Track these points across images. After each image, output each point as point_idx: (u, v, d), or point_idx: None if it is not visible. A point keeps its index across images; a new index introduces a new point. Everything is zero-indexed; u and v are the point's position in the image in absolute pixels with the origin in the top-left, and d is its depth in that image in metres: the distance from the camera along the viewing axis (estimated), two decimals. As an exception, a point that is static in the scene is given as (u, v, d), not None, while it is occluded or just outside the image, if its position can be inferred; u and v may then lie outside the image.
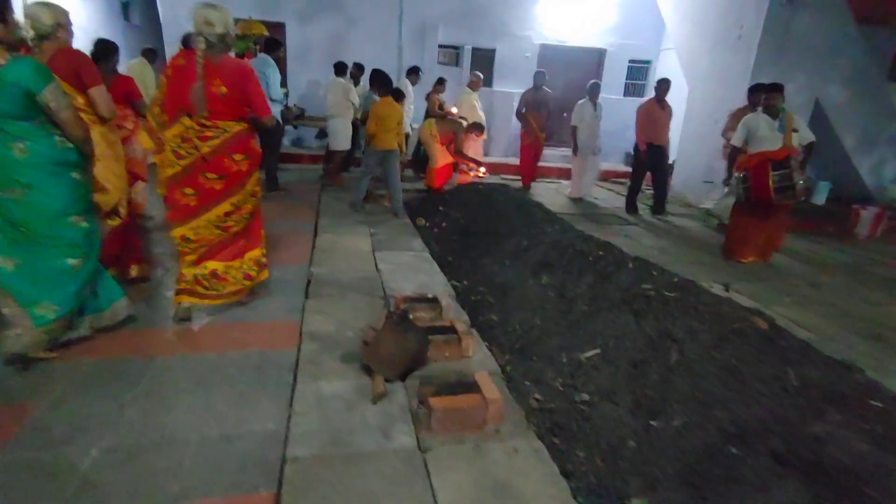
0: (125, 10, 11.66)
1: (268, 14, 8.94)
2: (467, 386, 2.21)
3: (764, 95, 4.66)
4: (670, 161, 7.09)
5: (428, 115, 7.31)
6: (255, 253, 2.96)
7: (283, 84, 6.33)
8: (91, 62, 2.79)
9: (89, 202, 2.40)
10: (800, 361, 1.98)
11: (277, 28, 9.15)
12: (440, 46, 9.68)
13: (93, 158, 2.43)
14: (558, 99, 10.50)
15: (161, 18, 8.76)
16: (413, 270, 3.80)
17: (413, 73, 7.60)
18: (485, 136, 7.45)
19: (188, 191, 2.64)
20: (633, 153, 7.02)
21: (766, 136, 4.50)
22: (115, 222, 2.94)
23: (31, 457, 1.74)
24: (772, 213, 4.63)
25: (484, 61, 9.89)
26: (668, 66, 9.76)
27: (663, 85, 6.38)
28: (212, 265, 2.78)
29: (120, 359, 2.36)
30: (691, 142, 7.73)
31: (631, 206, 6.79)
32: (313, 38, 9.05)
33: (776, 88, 4.53)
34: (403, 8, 9.26)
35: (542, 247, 3.72)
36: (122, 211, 2.98)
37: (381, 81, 5.45)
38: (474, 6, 9.47)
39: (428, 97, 7.74)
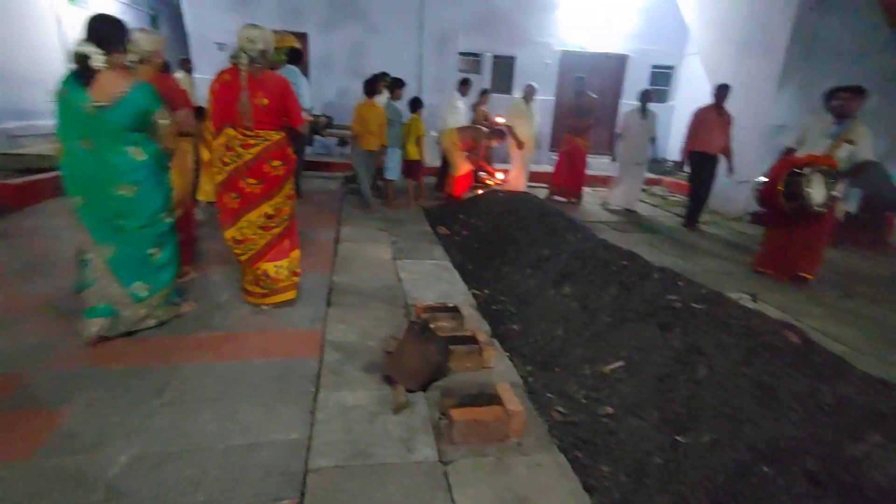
0: (153, 22, 12.03)
1: (291, 24, 9.10)
2: (489, 397, 2.19)
3: (841, 95, 4.21)
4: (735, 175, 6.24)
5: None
6: (297, 252, 3.21)
7: None
8: (178, 87, 3.21)
9: (171, 201, 2.76)
10: (835, 378, 1.91)
11: (300, 38, 9.31)
12: (460, 54, 9.73)
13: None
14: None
15: (187, 29, 8.99)
16: (434, 279, 3.80)
17: (464, 84, 7.39)
18: (522, 143, 7.11)
19: (232, 194, 2.92)
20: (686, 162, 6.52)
21: (813, 139, 4.29)
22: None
23: (61, 463, 1.78)
24: (798, 225, 4.32)
25: (504, 68, 9.91)
26: (692, 71, 9.62)
27: (721, 91, 5.98)
28: (263, 266, 3.04)
29: (147, 366, 2.40)
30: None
31: (691, 221, 6.40)
32: (335, 46, 9.18)
33: (854, 91, 4.17)
34: (424, 16, 9.34)
35: (564, 256, 3.68)
36: (179, 211, 3.12)
37: (367, 84, 5.69)
38: (494, 14, 9.49)
39: (474, 108, 7.63)
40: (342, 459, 1.87)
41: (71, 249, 2.61)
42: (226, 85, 2.79)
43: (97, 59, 2.29)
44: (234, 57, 2.77)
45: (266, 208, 2.95)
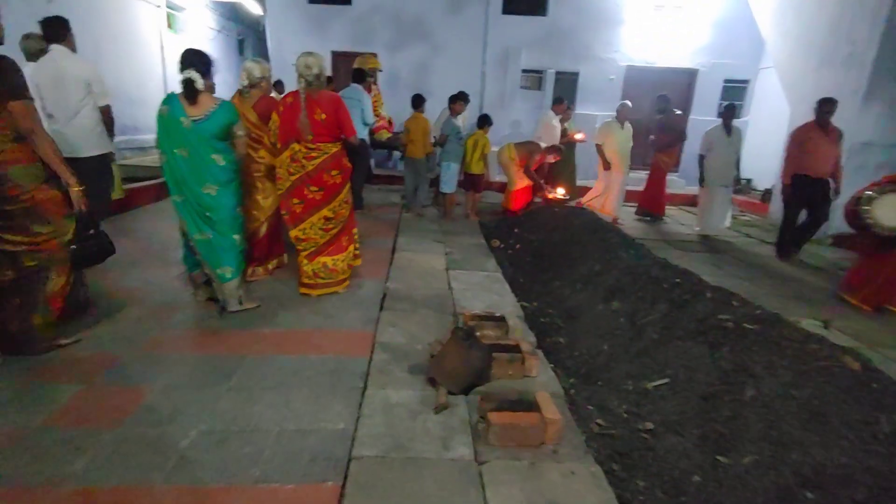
0: (240, 45, 13.13)
1: (362, 45, 9.64)
2: (528, 404, 2.25)
3: None
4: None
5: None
6: (353, 247, 3.65)
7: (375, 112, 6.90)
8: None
9: (242, 198, 3.22)
10: (894, 406, 1.80)
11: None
12: (523, 71, 9.84)
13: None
14: (644, 121, 10.25)
15: (269, 53, 9.75)
16: (484, 290, 3.89)
17: (559, 103, 7.27)
18: (609, 164, 6.95)
19: (295, 200, 3.33)
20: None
21: None
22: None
23: (143, 432, 2.04)
24: (888, 251, 3.97)
25: (567, 84, 9.90)
26: (768, 85, 9.16)
27: (824, 106, 5.25)
28: (322, 259, 3.46)
29: (219, 355, 2.68)
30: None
31: (782, 250, 5.71)
32: (401, 65, 9.59)
33: None
34: (488, 35, 9.56)
35: (615, 272, 3.65)
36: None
37: (413, 99, 6.31)
38: (557, 30, 9.54)
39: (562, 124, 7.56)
40: (383, 451, 2.00)
41: (160, 249, 2.97)
42: (289, 107, 3.23)
43: (199, 82, 2.83)
44: (281, 85, 3.26)
45: (326, 212, 3.37)
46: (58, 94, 3.76)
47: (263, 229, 3.73)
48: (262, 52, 11.90)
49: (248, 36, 13.19)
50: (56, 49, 3.73)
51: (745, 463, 1.85)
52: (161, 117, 2.86)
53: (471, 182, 6.38)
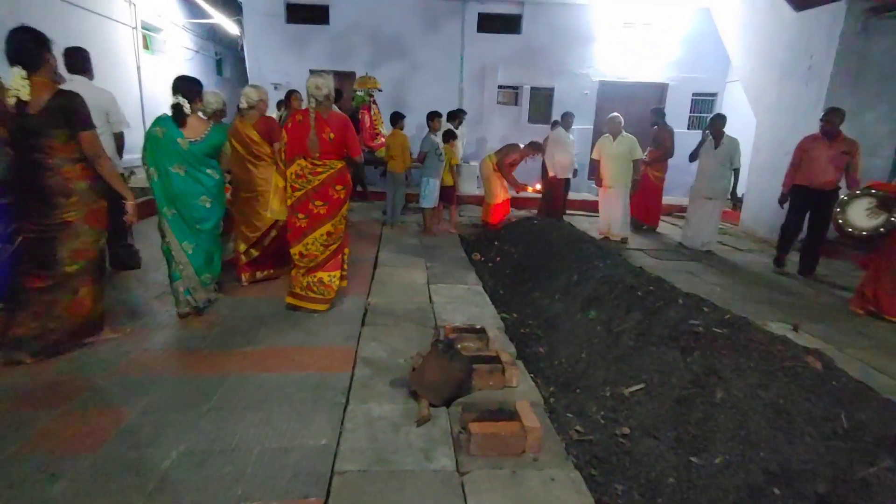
0: (219, 65, 13.13)
1: (339, 63, 9.76)
2: (508, 414, 2.29)
3: None
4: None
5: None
6: (344, 255, 3.73)
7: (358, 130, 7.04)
8: (277, 126, 4.01)
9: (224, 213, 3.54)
10: (854, 403, 1.89)
11: (349, 76, 9.94)
12: (499, 87, 10.04)
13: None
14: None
15: (248, 73, 9.79)
16: (465, 303, 3.94)
17: (567, 116, 7.38)
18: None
19: (300, 215, 3.42)
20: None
21: None
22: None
23: (122, 455, 2.02)
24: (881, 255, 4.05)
25: (543, 100, 10.14)
26: (734, 98, 9.51)
27: (826, 116, 5.06)
28: (320, 274, 3.55)
29: (199, 375, 2.67)
30: (760, 174, 7.42)
31: (777, 260, 5.65)
32: (380, 82, 9.69)
33: None
34: (464, 52, 9.76)
35: (592, 282, 3.74)
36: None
37: (392, 116, 6.59)
38: (532, 48, 9.80)
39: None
40: (365, 465, 2.02)
41: (138, 270, 2.96)
42: (298, 124, 3.36)
43: (187, 107, 3.14)
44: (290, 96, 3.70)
45: (328, 227, 3.45)
46: None
47: (267, 240, 4.05)
48: (240, 72, 11.93)
49: (226, 56, 13.21)
50: (77, 80, 3.89)
51: (717, 463, 1.91)
52: (155, 137, 3.08)
53: (443, 195, 6.45)
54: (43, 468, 1.92)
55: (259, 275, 4.16)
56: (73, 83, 3.78)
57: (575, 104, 9.88)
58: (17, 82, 2.46)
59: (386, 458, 2.06)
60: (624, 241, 6.61)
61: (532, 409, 2.29)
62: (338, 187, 3.43)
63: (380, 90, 8.21)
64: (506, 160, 6.54)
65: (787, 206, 5.49)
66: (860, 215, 4.08)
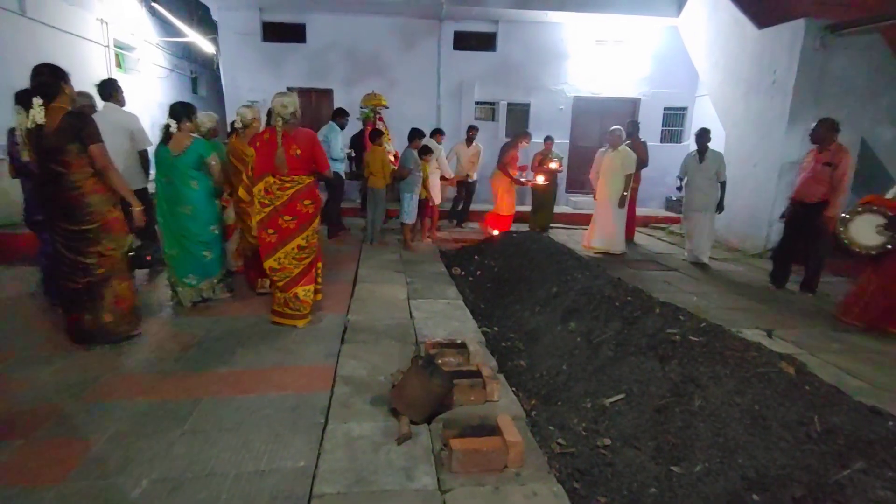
0: (194, 84, 13.02)
1: (317, 81, 9.78)
2: (490, 429, 2.27)
3: None
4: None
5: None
6: (318, 269, 3.80)
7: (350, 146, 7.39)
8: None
9: (220, 218, 3.97)
10: (826, 407, 1.93)
11: (325, 94, 9.96)
12: (476, 103, 10.18)
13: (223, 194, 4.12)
14: (593, 147, 10.73)
15: (224, 91, 9.72)
16: (446, 317, 3.92)
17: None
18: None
19: (270, 231, 3.48)
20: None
21: None
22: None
23: (89, 485, 1.94)
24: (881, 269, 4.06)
25: (519, 115, 10.29)
26: (704, 112, 9.80)
27: (815, 130, 4.94)
28: (295, 290, 3.58)
29: (172, 399, 2.59)
30: (730, 186, 7.57)
31: (773, 276, 5.42)
32: (357, 100, 9.72)
33: None
34: (441, 69, 9.88)
35: (572, 293, 3.77)
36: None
37: (370, 134, 6.54)
38: (507, 65, 9.97)
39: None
40: (345, 486, 1.97)
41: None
42: (265, 142, 3.43)
43: (174, 127, 3.63)
44: (243, 122, 3.97)
45: (299, 241, 3.52)
46: (109, 141, 4.17)
47: None
48: (216, 91, 11.85)
49: (201, 74, 13.11)
50: (108, 105, 4.51)
51: (697, 471, 1.92)
52: (155, 153, 3.74)
53: (420, 208, 6.54)
54: (5, 502, 1.83)
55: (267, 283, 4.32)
56: (105, 108, 4.48)
57: (551, 119, 10.07)
58: (35, 109, 2.86)
59: (366, 479, 2.02)
60: (610, 254, 6.58)
61: (514, 424, 2.27)
62: (306, 202, 3.49)
63: (386, 107, 8.45)
64: (504, 159, 6.98)
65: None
66: (867, 233, 4.07)
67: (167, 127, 3.64)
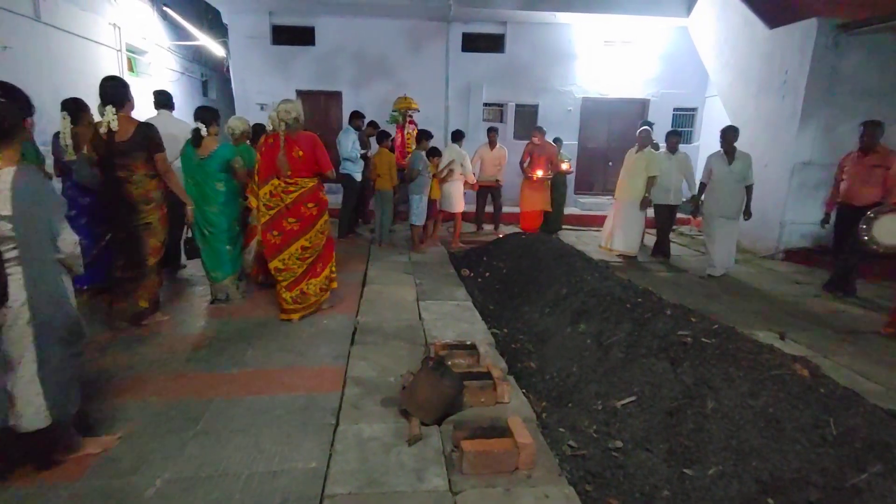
0: (204, 87, 13.13)
1: (325, 83, 9.83)
2: (500, 431, 2.26)
3: None
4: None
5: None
6: (327, 271, 3.90)
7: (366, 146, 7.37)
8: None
9: (239, 215, 4.14)
10: (842, 410, 1.90)
11: (334, 96, 10.01)
12: (485, 104, 10.17)
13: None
14: (602, 149, 10.70)
15: (234, 93, 9.80)
16: (455, 319, 3.92)
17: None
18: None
19: (275, 232, 3.60)
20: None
21: None
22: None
23: (104, 484, 1.96)
24: None
25: (527, 116, 10.27)
26: (714, 112, 9.73)
27: (866, 129, 4.87)
28: (300, 287, 3.71)
29: (184, 399, 2.61)
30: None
31: (834, 285, 5.15)
32: (366, 102, 9.78)
33: None
34: (449, 71, 9.88)
35: (581, 295, 3.75)
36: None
37: (378, 135, 6.77)
38: (517, 66, 9.95)
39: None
40: (356, 487, 1.98)
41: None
42: (270, 147, 3.55)
43: (203, 131, 3.80)
44: (261, 130, 4.01)
45: (303, 242, 3.63)
46: (167, 147, 4.49)
47: None
48: (226, 94, 11.94)
49: (211, 77, 13.21)
50: (162, 113, 4.83)
51: (710, 474, 1.91)
52: (184, 155, 3.91)
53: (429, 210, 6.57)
54: (22, 501, 1.85)
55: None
56: (159, 115, 4.78)
57: (559, 120, 10.03)
58: (109, 116, 3.17)
59: (377, 480, 2.02)
60: (626, 257, 6.47)
61: (524, 425, 2.27)
62: (309, 205, 3.61)
63: (417, 110, 8.58)
64: (523, 158, 7.26)
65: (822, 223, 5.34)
66: (892, 232, 3.99)
67: (197, 130, 3.82)
